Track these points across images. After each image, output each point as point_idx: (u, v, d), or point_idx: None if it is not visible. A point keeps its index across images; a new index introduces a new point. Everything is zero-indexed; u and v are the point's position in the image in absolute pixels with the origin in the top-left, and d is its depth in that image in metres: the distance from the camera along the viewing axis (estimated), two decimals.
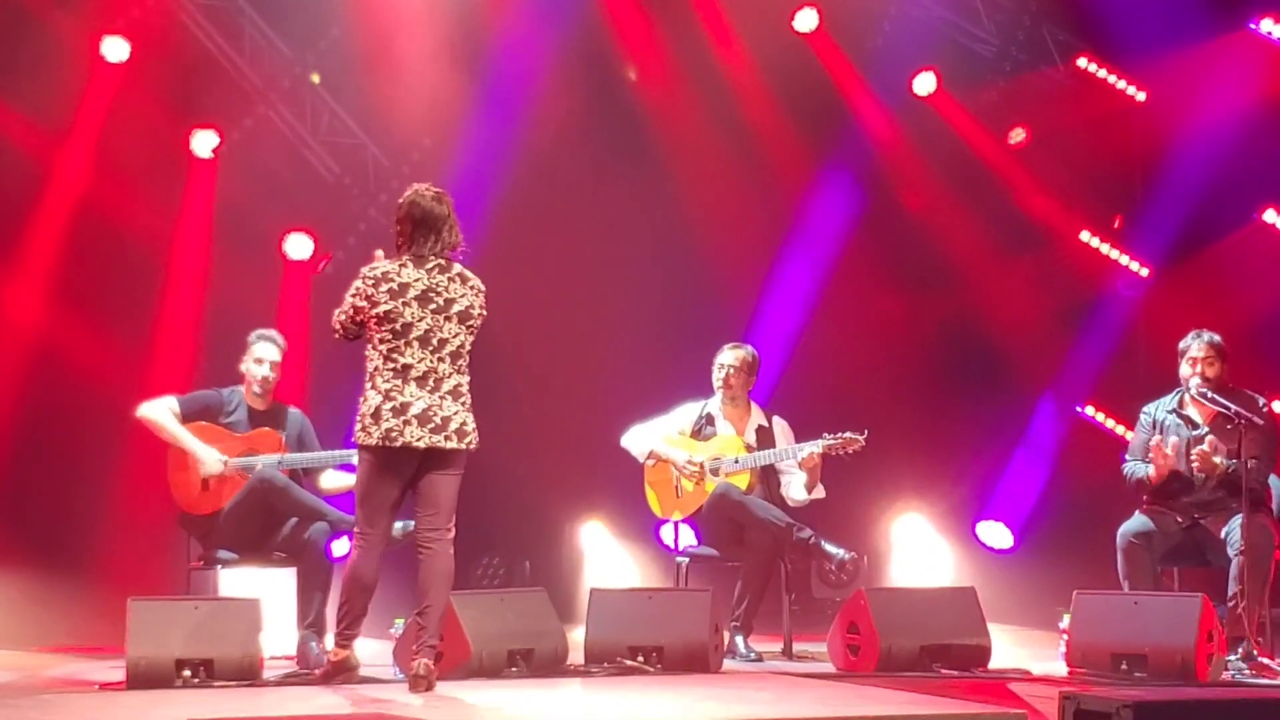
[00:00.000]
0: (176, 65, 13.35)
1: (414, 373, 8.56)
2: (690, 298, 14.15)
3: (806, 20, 14.48)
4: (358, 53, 13.71)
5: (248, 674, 9.00)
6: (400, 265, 8.68)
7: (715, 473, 11.02)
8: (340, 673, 8.67)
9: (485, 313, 8.80)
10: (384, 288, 8.60)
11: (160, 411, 10.36)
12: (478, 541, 13.88)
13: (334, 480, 10.40)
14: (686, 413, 11.35)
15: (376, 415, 8.53)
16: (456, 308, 8.66)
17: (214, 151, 13.42)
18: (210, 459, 10.23)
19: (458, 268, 8.77)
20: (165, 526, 10.87)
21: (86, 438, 12.53)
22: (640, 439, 11.29)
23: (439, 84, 13.59)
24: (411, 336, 8.57)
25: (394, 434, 8.52)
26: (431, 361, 8.59)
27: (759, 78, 14.58)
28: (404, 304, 8.58)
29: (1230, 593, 9.72)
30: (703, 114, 14.38)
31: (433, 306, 8.61)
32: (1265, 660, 9.54)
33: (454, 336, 8.65)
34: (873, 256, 14.81)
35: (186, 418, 10.36)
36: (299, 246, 13.41)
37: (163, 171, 13.25)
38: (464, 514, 13.00)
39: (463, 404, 8.66)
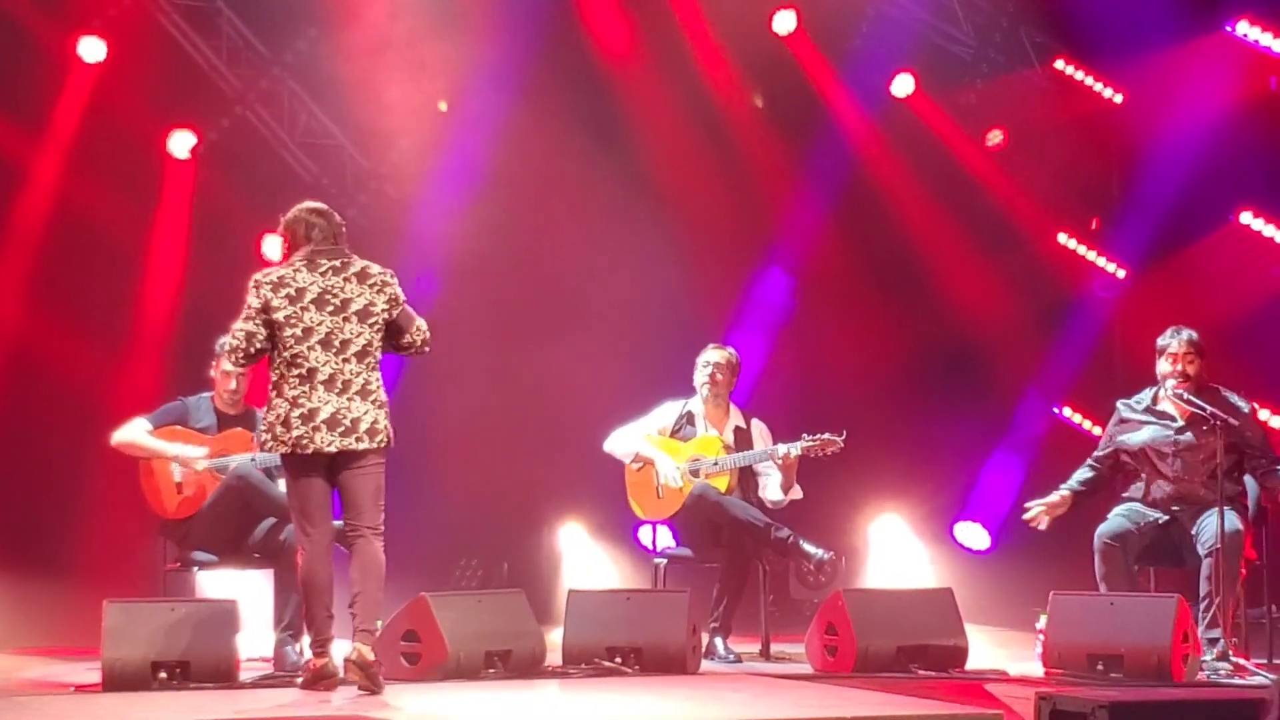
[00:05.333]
0: (154, 66, 13.33)
1: (319, 376, 8.55)
2: (669, 299, 14.14)
3: (785, 22, 14.48)
4: (335, 53, 13.69)
5: (224, 676, 8.98)
6: (294, 270, 8.68)
7: (695, 474, 11.03)
8: (320, 680, 8.60)
9: (396, 302, 8.73)
10: (282, 293, 8.61)
11: (133, 433, 10.34)
12: (456, 542, 13.90)
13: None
14: (667, 411, 11.35)
15: (286, 423, 8.54)
16: (354, 307, 8.64)
17: (191, 152, 13.41)
18: (194, 454, 10.21)
19: (356, 265, 8.75)
20: (141, 528, 10.83)
21: (62, 439, 12.51)
22: (624, 442, 11.29)
23: (417, 85, 13.58)
24: (313, 340, 8.57)
25: (304, 441, 8.52)
26: (336, 364, 8.58)
27: (737, 77, 14.60)
28: (302, 308, 8.59)
29: (1202, 592, 9.75)
30: (682, 114, 14.38)
31: (330, 308, 8.61)
32: (1240, 660, 9.56)
33: (357, 336, 8.63)
34: (851, 257, 14.82)
35: (159, 430, 10.36)
36: (276, 248, 13.37)
37: (140, 172, 13.23)
38: (442, 515, 13.10)
39: (373, 402, 8.64)
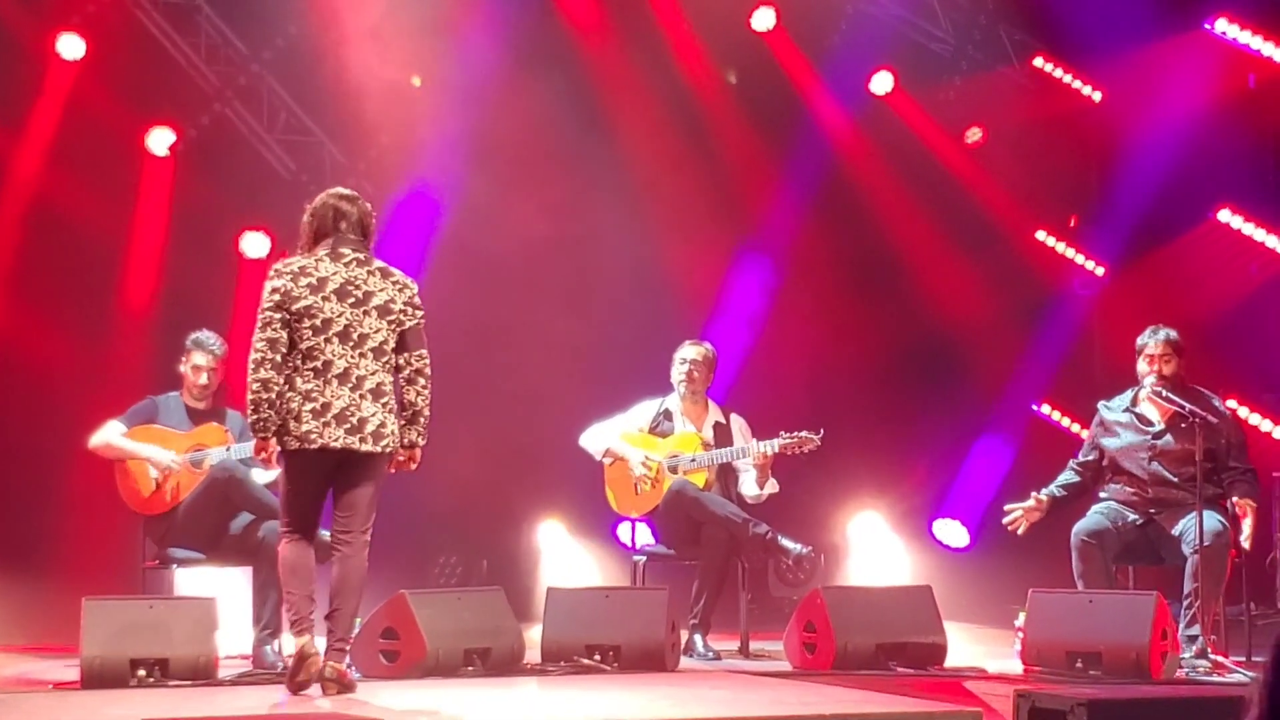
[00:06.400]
0: (133, 63, 13.33)
1: (334, 370, 8.28)
2: (648, 296, 14.15)
3: (764, 19, 14.50)
4: (314, 50, 13.69)
5: (203, 673, 8.96)
6: (316, 260, 8.41)
7: (673, 470, 11.03)
8: (302, 661, 8.27)
9: (415, 309, 8.49)
10: (303, 282, 8.33)
11: (108, 435, 10.32)
12: (435, 540, 13.89)
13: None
14: (645, 410, 11.35)
15: (297, 417, 8.25)
16: (375, 301, 8.37)
17: (170, 149, 13.41)
18: (164, 457, 10.20)
19: (379, 263, 8.50)
20: (120, 526, 10.83)
21: (41, 436, 12.48)
22: (598, 438, 11.28)
23: (396, 81, 13.58)
24: (331, 333, 8.30)
25: (313, 435, 8.26)
26: (352, 358, 8.31)
27: (716, 75, 14.61)
28: (323, 299, 8.30)
29: (1186, 590, 9.75)
30: (660, 111, 14.39)
31: (351, 300, 8.34)
32: (1219, 658, 9.57)
33: (375, 332, 8.36)
34: (830, 254, 14.83)
35: (132, 430, 10.35)
36: (255, 244, 13.39)
37: (119, 169, 13.23)
38: (421, 512, 13.10)
39: (383, 404, 8.37)
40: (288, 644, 9.72)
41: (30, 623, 11.56)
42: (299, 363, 8.32)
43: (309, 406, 8.27)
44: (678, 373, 11.25)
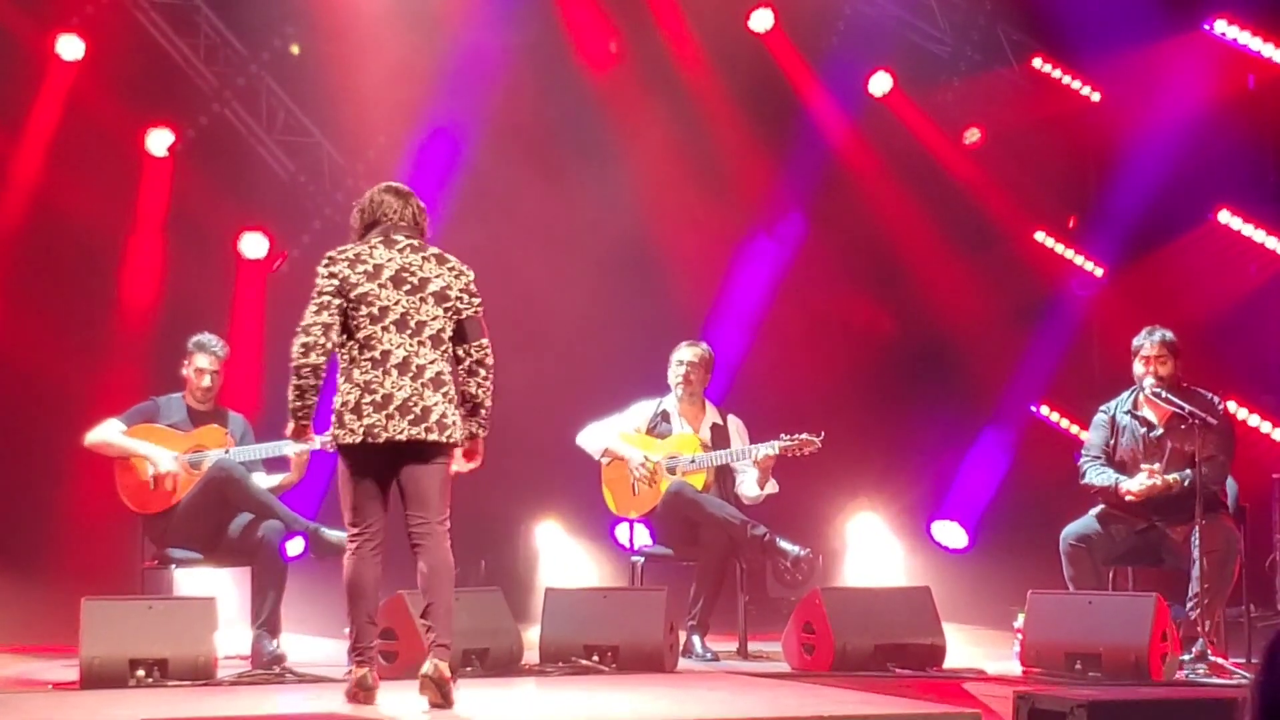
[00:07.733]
0: (132, 63, 13.34)
1: (393, 359, 7.95)
2: (646, 296, 14.14)
3: (762, 20, 14.49)
4: (313, 50, 13.69)
5: (202, 673, 8.96)
6: (370, 247, 8.09)
7: (672, 471, 11.03)
8: (361, 690, 8.06)
9: (472, 296, 8.21)
10: (360, 268, 8.00)
11: (106, 433, 10.29)
12: None
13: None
14: (642, 410, 11.34)
15: (357, 410, 7.93)
16: (432, 287, 8.07)
17: (169, 150, 13.41)
18: (164, 457, 10.18)
19: (433, 250, 8.23)
20: (118, 525, 10.82)
21: (40, 436, 12.48)
22: (596, 437, 11.28)
23: (394, 82, 13.57)
24: (388, 320, 7.97)
25: (376, 429, 7.92)
26: (411, 346, 7.99)
27: (715, 76, 14.60)
28: (380, 286, 7.99)
29: (1191, 593, 9.73)
30: (659, 112, 14.38)
31: (406, 287, 8.02)
32: (1219, 660, 9.56)
33: (432, 319, 8.04)
34: (828, 255, 14.83)
35: (131, 429, 10.34)
36: (254, 245, 13.40)
37: (118, 170, 13.23)
38: None
39: (444, 394, 8.05)
40: (287, 645, 9.76)
41: (29, 623, 11.55)
42: (355, 353, 8.02)
43: (369, 399, 7.97)
44: (674, 374, 11.25)
